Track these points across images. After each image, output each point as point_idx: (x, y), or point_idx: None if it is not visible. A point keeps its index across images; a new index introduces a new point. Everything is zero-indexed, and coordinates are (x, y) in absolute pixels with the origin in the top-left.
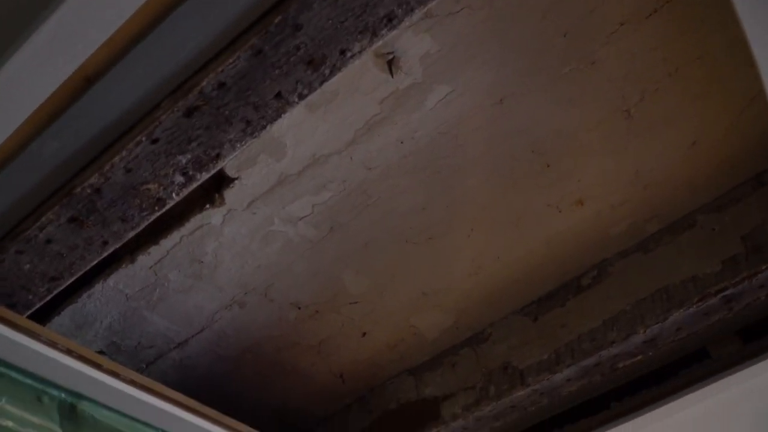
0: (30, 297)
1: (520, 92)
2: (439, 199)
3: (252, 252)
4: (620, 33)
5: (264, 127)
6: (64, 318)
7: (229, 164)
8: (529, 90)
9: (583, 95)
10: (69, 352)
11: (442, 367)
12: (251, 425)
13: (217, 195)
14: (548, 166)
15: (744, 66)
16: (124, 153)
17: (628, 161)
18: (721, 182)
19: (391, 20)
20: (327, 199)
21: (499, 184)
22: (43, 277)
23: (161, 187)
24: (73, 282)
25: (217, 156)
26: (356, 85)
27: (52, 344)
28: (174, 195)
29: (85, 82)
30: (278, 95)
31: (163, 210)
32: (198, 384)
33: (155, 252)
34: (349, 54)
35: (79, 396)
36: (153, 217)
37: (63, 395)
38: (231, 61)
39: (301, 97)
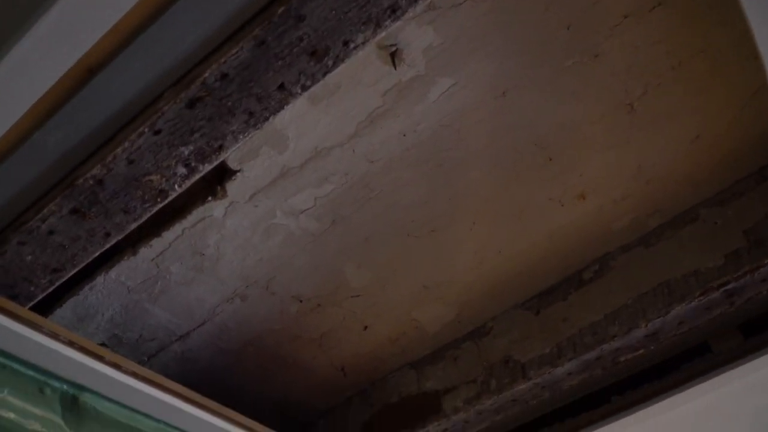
0: (32, 288)
1: (523, 85)
2: (442, 192)
3: (254, 245)
4: (624, 26)
5: (267, 119)
6: (66, 310)
7: (231, 156)
8: (532, 83)
9: (586, 88)
10: (71, 344)
11: (443, 361)
12: (253, 418)
13: (219, 187)
14: (551, 159)
15: (747, 59)
16: (126, 144)
17: (631, 155)
18: (724, 176)
19: (394, 11)
20: (329, 192)
21: (501, 178)
22: (45, 268)
23: (164, 179)
24: (74, 274)
25: (220, 147)
26: (359, 78)
27: (54, 336)
28: (176, 186)
29: (87, 72)
30: (281, 86)
31: (166, 202)
32: (199, 377)
33: (157, 244)
34: (352, 45)
35: (81, 388)
36: (155, 209)
37: (65, 387)
38: (234, 52)
39: (304, 88)
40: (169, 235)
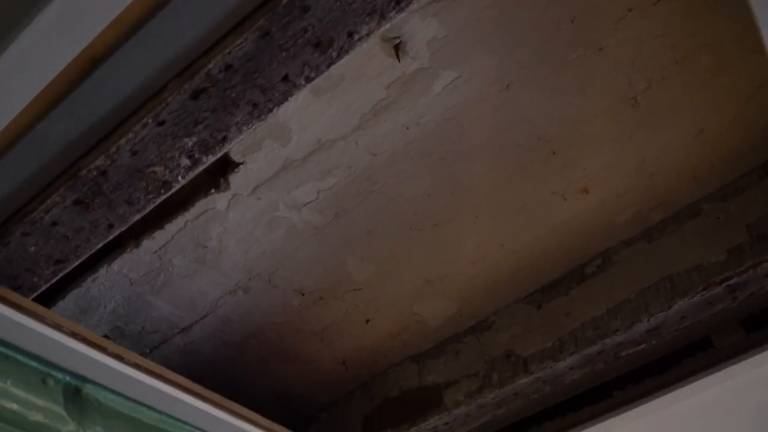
0: (35, 279)
1: (527, 78)
2: (445, 186)
3: (256, 237)
4: (628, 19)
5: (270, 110)
6: (69, 302)
7: (234, 149)
8: (536, 76)
9: (590, 82)
10: (74, 335)
11: (445, 355)
12: (255, 411)
13: (222, 180)
14: (554, 153)
15: (752, 53)
16: (130, 135)
17: (634, 149)
18: (727, 171)
19: (399, 2)
20: (332, 184)
21: (504, 171)
22: (48, 259)
23: (167, 170)
24: (77, 266)
25: (224, 139)
26: (362, 70)
27: (57, 327)
28: (180, 178)
29: (91, 62)
30: (285, 78)
31: (169, 193)
32: (202, 370)
33: (160, 237)
34: (356, 36)
35: (84, 379)
36: (159, 200)
37: (68, 378)
38: (238, 42)
39: (308, 80)
40: (171, 227)
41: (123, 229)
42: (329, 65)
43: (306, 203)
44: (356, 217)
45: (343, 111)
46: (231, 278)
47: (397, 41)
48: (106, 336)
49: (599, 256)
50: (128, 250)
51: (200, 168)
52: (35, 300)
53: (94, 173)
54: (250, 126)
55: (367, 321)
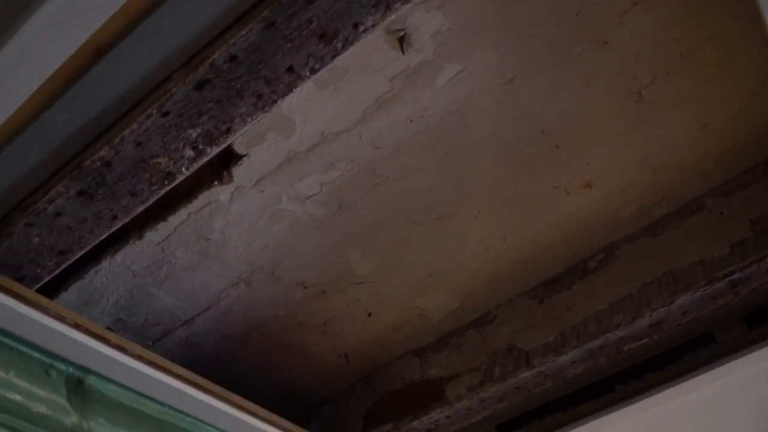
0: (38, 270)
1: (531, 72)
2: (448, 180)
3: (259, 230)
4: (633, 13)
5: (275, 102)
6: (71, 294)
7: (237, 141)
8: (540, 70)
9: (594, 76)
10: (77, 327)
11: (447, 349)
12: (257, 404)
13: (225, 172)
14: (557, 147)
15: (756, 47)
16: (134, 126)
17: (638, 144)
18: (731, 166)
19: None
20: (335, 177)
21: (508, 165)
22: (51, 250)
23: (171, 161)
24: (80, 258)
25: (228, 130)
26: (367, 63)
27: (61, 318)
28: (184, 169)
29: (96, 52)
30: (290, 69)
31: (173, 184)
32: (204, 362)
33: (163, 229)
34: (362, 28)
35: (87, 370)
36: (162, 192)
37: (70, 369)
38: (243, 33)
39: (313, 71)
40: (174, 219)
41: (126, 220)
42: (334, 57)
43: (309, 196)
44: (359, 211)
45: (347, 103)
46: (233, 271)
47: (402, 33)
48: (108, 328)
49: (602, 251)
50: (131, 242)
51: (204, 159)
52: (38, 291)
53: (98, 164)
54: (254, 117)
55: (370, 314)
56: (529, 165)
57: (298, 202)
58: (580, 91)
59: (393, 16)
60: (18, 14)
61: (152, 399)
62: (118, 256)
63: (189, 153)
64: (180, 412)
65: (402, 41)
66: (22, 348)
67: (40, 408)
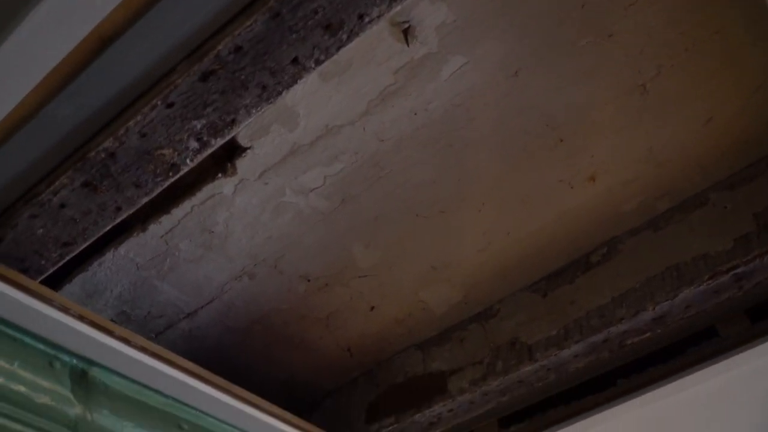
0: (42, 262)
1: (536, 65)
2: (451, 173)
3: (263, 223)
4: (638, 5)
5: (280, 93)
6: (75, 286)
7: (241, 133)
8: (545, 63)
9: (599, 69)
10: (81, 318)
11: (450, 342)
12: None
13: (229, 164)
14: (561, 141)
15: (761, 42)
16: (138, 117)
17: (642, 137)
18: (735, 160)
19: None
20: (339, 170)
21: (511, 158)
22: (56, 241)
23: (176, 153)
24: (83, 250)
25: (232, 122)
26: (371, 55)
27: (65, 310)
28: (188, 161)
29: (100, 43)
30: (295, 60)
31: (178, 176)
32: (207, 355)
33: (166, 221)
34: (367, 19)
35: (91, 362)
36: (167, 183)
37: (74, 361)
38: (248, 24)
39: (318, 62)
40: (178, 212)
41: (131, 211)
42: (339, 48)
43: (313, 189)
44: (363, 203)
45: (351, 96)
46: (237, 264)
47: (406, 25)
48: (112, 320)
49: (605, 245)
50: (135, 234)
51: (209, 151)
52: (42, 283)
53: (103, 155)
54: (259, 109)
55: (372, 308)
56: (533, 158)
57: (301, 195)
58: (584, 84)
59: (398, 8)
60: (23, 5)
61: (156, 391)
62: (122, 249)
63: (194, 144)
64: (183, 403)
65: (406, 33)
66: (26, 339)
67: (44, 399)
